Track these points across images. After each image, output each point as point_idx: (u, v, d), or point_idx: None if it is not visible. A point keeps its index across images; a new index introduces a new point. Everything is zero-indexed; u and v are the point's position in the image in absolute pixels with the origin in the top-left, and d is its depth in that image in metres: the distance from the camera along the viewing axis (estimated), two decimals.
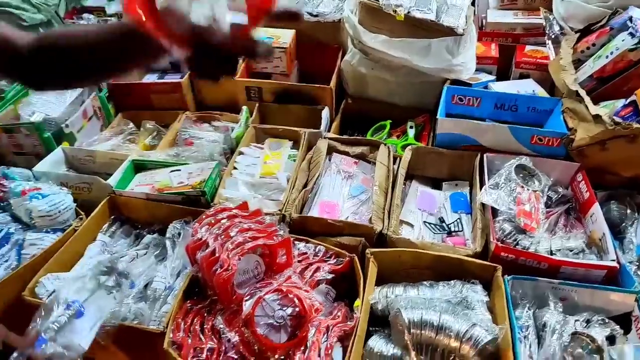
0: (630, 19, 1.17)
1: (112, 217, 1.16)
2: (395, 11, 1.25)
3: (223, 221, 0.96)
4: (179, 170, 1.18)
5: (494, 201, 1.07)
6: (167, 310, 0.96)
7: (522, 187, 1.10)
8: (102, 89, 1.44)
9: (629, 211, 1.11)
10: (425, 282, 0.96)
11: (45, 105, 1.25)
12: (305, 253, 1.01)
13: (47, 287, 0.95)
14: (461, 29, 1.29)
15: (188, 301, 0.94)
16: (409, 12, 1.27)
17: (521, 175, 1.14)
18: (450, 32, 1.29)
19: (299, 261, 0.99)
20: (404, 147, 1.33)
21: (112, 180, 1.15)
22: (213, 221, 0.97)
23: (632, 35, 1.15)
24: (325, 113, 1.37)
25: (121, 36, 0.64)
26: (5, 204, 1.08)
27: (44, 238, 1.04)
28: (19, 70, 0.69)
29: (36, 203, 1.03)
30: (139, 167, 1.23)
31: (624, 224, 1.10)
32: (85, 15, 1.80)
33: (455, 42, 1.31)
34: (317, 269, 0.97)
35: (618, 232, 1.09)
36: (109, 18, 1.79)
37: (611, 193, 1.16)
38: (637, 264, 1.01)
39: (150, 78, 1.65)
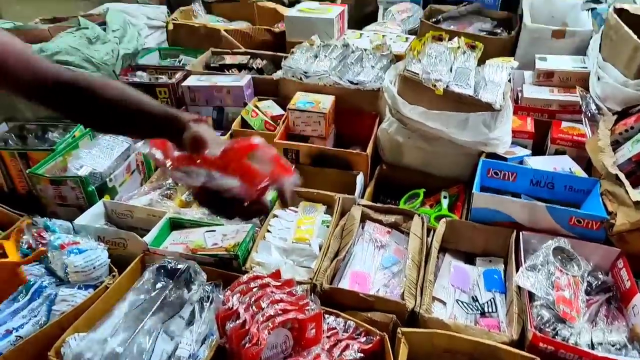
0: None
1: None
2: (434, 85, 1.27)
3: (255, 290, 0.95)
4: (214, 231, 1.20)
5: (531, 285, 1.04)
6: None
7: (561, 271, 1.07)
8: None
9: None
10: None
11: (93, 160, 1.30)
12: (335, 328, 0.99)
13: (72, 347, 0.95)
14: (498, 104, 1.30)
15: None
16: (447, 87, 1.29)
17: (559, 257, 1.11)
18: (487, 107, 1.30)
19: (327, 336, 0.97)
20: (437, 218, 1.32)
21: (148, 238, 1.17)
22: (245, 289, 0.97)
23: None
24: (360, 179, 1.38)
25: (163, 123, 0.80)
26: (43, 256, 1.11)
27: (76, 294, 1.05)
28: (42, 98, 0.79)
29: (73, 258, 1.05)
30: (176, 224, 1.25)
31: None
32: (138, 72, 1.91)
33: (492, 117, 1.32)
34: (346, 347, 0.94)
35: None
36: (159, 76, 1.89)
37: None
38: None
39: None
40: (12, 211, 1.26)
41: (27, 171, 1.31)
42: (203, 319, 1.06)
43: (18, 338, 0.97)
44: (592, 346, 0.97)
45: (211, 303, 1.10)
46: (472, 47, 1.45)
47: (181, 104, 1.78)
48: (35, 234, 1.13)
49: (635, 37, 1.30)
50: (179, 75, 1.85)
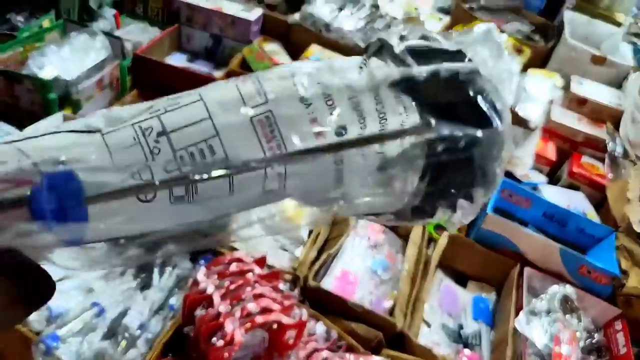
0: None
1: None
2: None
3: (234, 275, 0.80)
4: None
5: (531, 333, 0.95)
6: (133, 358, 0.79)
7: (564, 324, 0.98)
8: (127, 56, 1.24)
9: None
10: None
11: (60, 61, 1.04)
12: (314, 334, 0.86)
13: None
14: (534, 124, 1.18)
15: (167, 357, 0.77)
16: None
17: (561, 307, 1.02)
18: (522, 122, 1.18)
19: (303, 342, 0.84)
20: (436, 228, 1.20)
21: None
22: (223, 270, 0.81)
23: None
24: None
25: None
26: None
27: None
28: None
29: None
30: None
31: None
32: None
33: (524, 134, 1.19)
34: None
35: None
36: None
37: None
38: None
39: (179, 59, 1.47)
40: None
41: None
42: (161, 285, 0.90)
43: None
44: None
45: (174, 268, 0.94)
46: (519, 51, 1.30)
47: (174, 22, 1.52)
48: None
49: None
50: None
